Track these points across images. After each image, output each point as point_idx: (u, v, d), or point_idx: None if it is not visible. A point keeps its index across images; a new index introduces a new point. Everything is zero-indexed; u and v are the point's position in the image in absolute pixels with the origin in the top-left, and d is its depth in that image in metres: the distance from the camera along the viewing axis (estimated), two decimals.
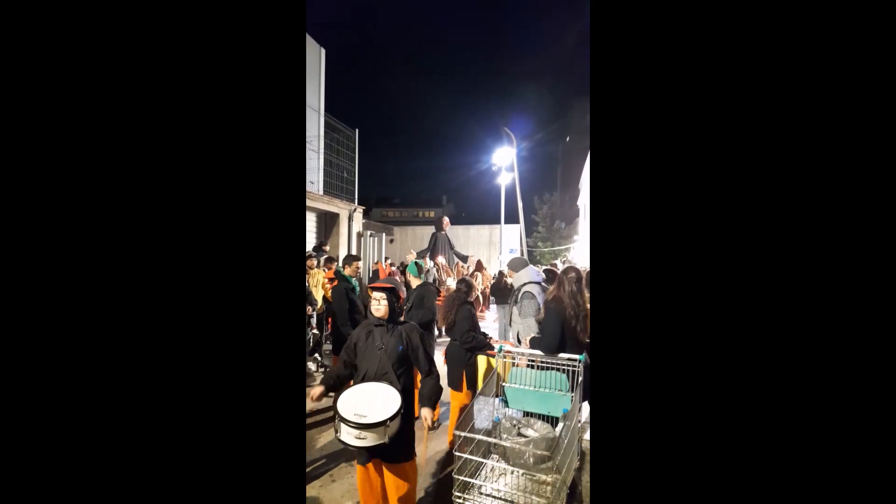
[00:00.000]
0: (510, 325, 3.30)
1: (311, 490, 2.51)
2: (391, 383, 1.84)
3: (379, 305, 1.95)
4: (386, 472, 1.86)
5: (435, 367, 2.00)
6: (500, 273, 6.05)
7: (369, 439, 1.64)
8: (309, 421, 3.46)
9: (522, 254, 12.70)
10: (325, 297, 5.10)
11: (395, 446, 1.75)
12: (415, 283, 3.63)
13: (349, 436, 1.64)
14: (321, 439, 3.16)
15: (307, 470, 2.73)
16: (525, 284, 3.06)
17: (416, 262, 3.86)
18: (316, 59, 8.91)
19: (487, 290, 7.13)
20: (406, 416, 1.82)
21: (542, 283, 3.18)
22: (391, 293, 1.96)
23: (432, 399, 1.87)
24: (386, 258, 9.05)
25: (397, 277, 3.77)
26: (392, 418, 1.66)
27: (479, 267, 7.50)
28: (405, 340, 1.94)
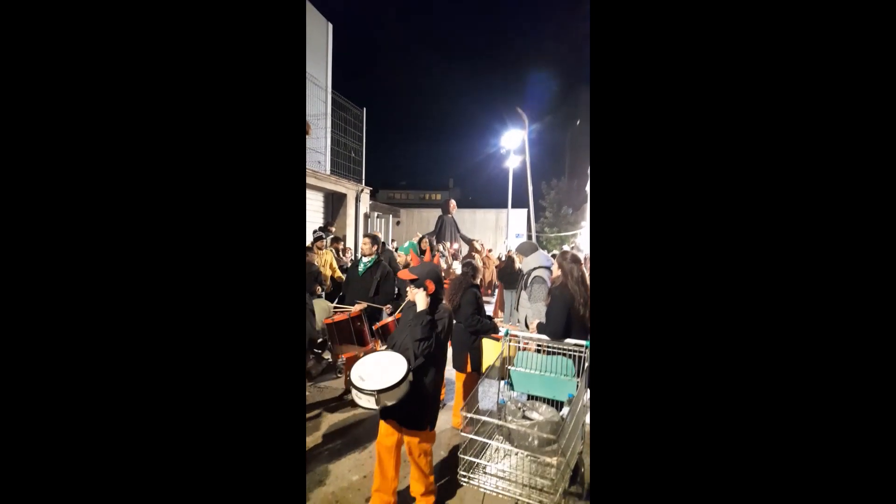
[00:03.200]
0: (517, 309, 3.30)
1: (320, 463, 2.58)
2: (407, 359, 1.96)
3: (414, 298, 2.08)
4: (406, 434, 2.06)
5: (429, 333, 2.02)
6: (510, 257, 6.01)
7: (363, 401, 1.84)
8: (320, 399, 3.54)
9: (531, 238, 12.62)
10: (332, 277, 5.14)
11: (405, 413, 1.97)
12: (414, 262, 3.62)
13: (353, 394, 1.88)
14: (332, 417, 3.23)
15: (320, 445, 2.80)
16: (535, 269, 3.05)
17: (418, 242, 3.79)
18: (323, 34, 8.73)
19: (489, 272, 7.07)
20: (420, 392, 1.96)
21: (552, 268, 3.17)
22: (416, 284, 2.07)
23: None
24: (393, 240, 9.05)
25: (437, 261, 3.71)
26: (383, 391, 1.79)
27: (472, 248, 7.45)
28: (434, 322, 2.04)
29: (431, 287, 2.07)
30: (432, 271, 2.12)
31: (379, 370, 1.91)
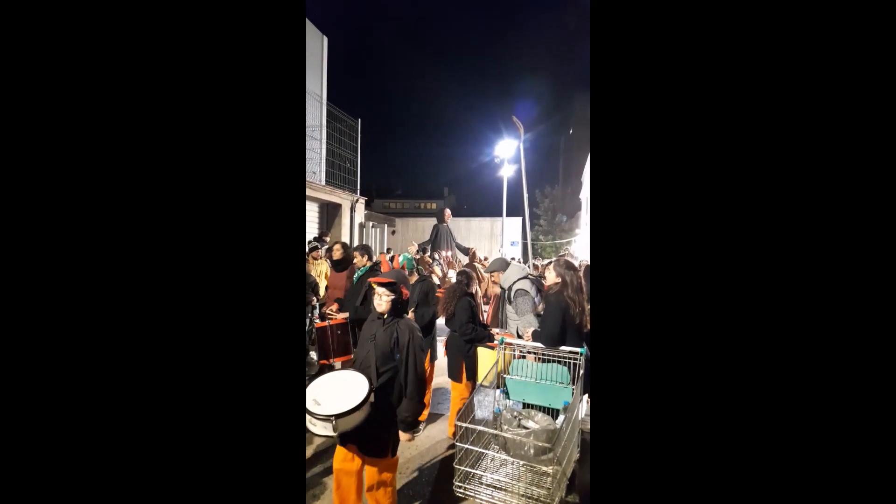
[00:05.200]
0: (504, 326, 3.29)
1: (315, 476, 2.54)
2: (369, 378, 1.82)
3: (381, 300, 1.94)
4: (366, 461, 1.90)
5: (420, 388, 1.90)
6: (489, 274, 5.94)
7: (318, 428, 1.63)
8: None
9: (526, 246, 12.62)
10: (327, 287, 5.12)
11: (365, 440, 1.80)
12: (412, 278, 3.53)
13: (307, 420, 1.64)
14: None
15: (314, 459, 2.75)
16: (515, 283, 3.05)
17: (409, 258, 3.73)
18: (318, 47, 8.82)
19: (486, 284, 7.04)
20: (384, 416, 1.83)
21: (530, 276, 3.18)
22: (393, 288, 1.94)
23: (409, 423, 1.86)
24: (389, 249, 9.05)
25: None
26: (341, 416, 1.61)
27: (474, 257, 7.43)
28: (395, 337, 1.91)
29: (405, 293, 1.99)
30: (406, 279, 2.07)
31: (336, 392, 1.72)
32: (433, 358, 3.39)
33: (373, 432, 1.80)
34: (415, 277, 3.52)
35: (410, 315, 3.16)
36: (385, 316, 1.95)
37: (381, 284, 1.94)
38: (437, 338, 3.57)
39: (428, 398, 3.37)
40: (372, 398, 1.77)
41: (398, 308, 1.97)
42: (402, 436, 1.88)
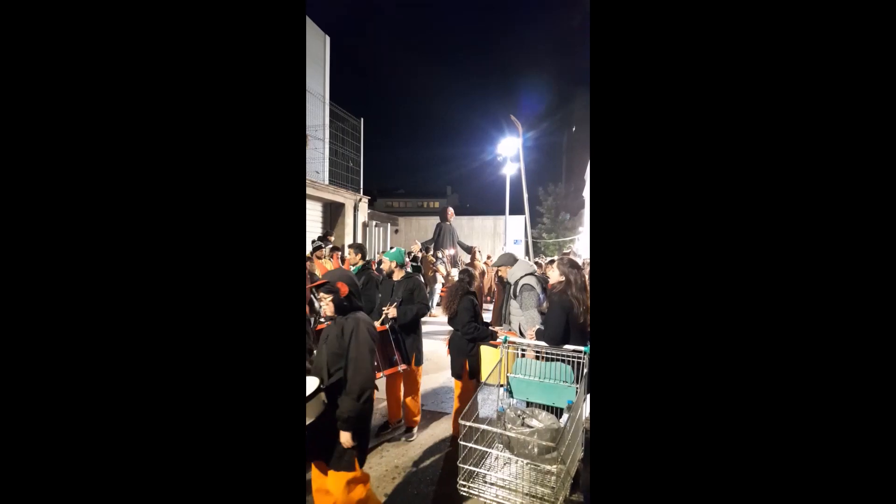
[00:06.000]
0: (507, 321, 3.28)
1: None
2: (321, 380, 1.81)
3: (322, 304, 1.96)
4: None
5: (360, 383, 1.79)
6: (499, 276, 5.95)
7: None
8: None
9: (527, 245, 12.62)
10: None
11: (327, 450, 1.78)
12: (398, 274, 3.27)
13: None
14: None
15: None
16: (522, 278, 3.05)
17: (401, 252, 3.45)
18: (321, 46, 8.82)
19: (487, 279, 7.01)
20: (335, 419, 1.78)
21: (537, 274, 3.17)
22: (328, 288, 1.94)
23: (345, 420, 1.76)
24: (392, 248, 9.06)
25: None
26: None
27: (474, 257, 7.41)
28: (340, 332, 1.88)
29: (344, 289, 1.94)
30: (343, 274, 2.00)
31: None
32: (419, 360, 3.18)
33: (332, 440, 1.77)
34: (401, 273, 3.28)
35: (392, 312, 3.02)
36: (334, 317, 1.96)
37: (317, 287, 1.94)
38: (439, 337, 3.52)
39: (417, 400, 3.22)
40: (324, 397, 1.75)
41: (344, 306, 1.96)
42: (342, 436, 1.77)
